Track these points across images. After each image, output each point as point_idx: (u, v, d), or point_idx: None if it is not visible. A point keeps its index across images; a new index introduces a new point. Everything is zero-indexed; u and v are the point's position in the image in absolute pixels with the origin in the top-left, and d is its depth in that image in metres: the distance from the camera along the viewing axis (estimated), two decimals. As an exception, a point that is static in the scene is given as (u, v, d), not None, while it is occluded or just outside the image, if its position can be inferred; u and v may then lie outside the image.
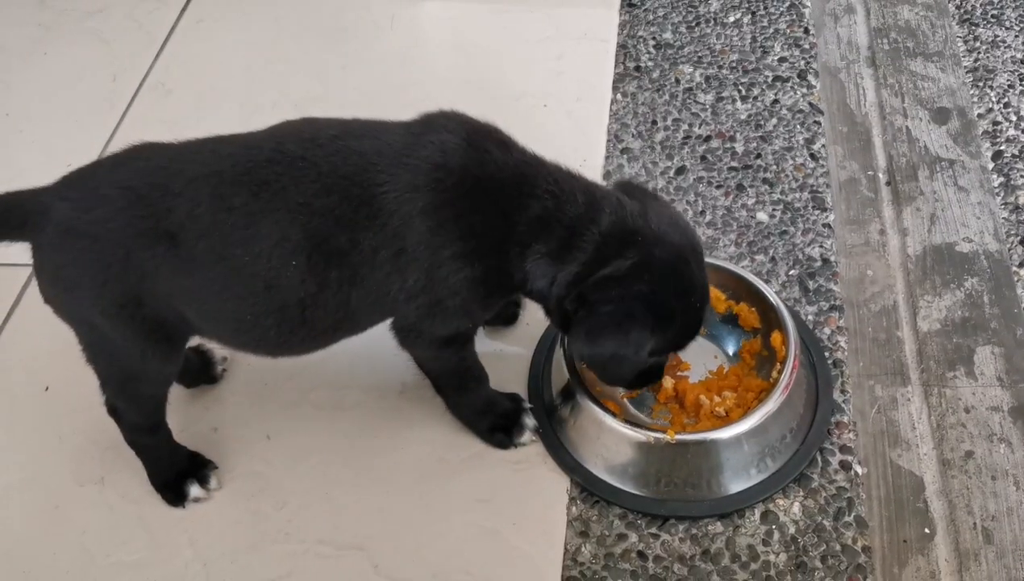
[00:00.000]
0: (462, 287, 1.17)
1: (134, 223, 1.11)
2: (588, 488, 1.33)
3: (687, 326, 1.22)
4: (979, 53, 1.99)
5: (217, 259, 1.12)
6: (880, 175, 1.80)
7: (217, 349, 1.48)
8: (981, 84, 1.93)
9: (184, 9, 2.18)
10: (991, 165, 1.78)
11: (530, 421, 1.38)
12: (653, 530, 1.30)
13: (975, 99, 1.90)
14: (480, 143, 1.17)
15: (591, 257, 1.16)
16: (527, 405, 1.40)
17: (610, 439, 1.32)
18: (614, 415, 1.31)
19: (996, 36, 2.02)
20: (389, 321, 1.27)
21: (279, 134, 1.17)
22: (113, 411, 1.30)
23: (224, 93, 1.97)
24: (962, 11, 2.09)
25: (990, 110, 1.87)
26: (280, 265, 1.12)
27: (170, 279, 1.13)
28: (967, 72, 1.96)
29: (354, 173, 1.13)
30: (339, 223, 1.12)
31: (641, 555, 1.28)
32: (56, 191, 1.15)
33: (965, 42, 2.02)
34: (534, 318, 1.51)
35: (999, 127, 1.84)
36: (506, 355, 1.49)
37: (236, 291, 1.14)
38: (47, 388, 1.50)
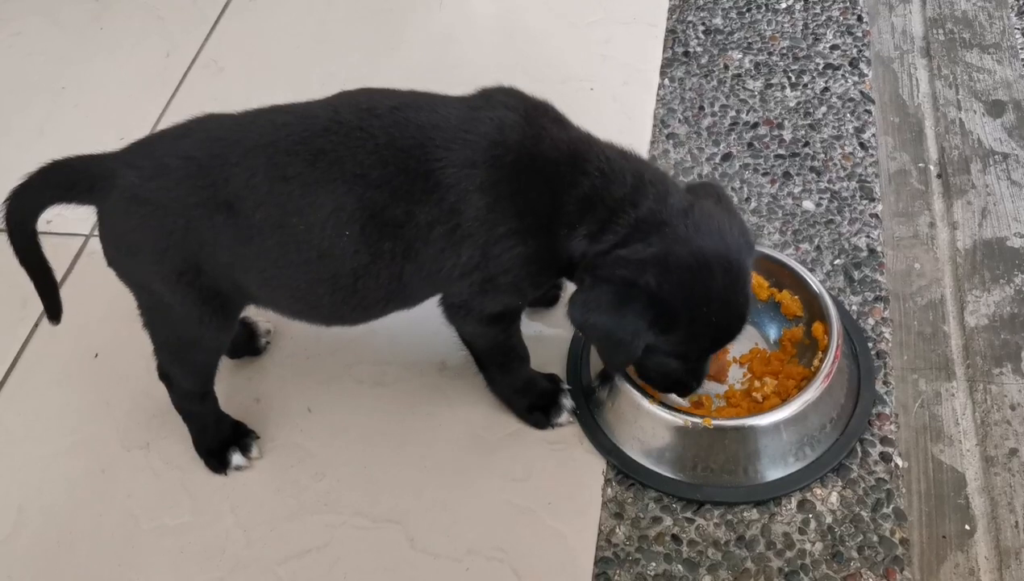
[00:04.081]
0: (514, 264, 1.18)
1: (194, 193, 1.13)
2: (624, 470, 1.33)
3: (697, 336, 1.16)
4: (1038, 45, 1.95)
5: (273, 228, 1.14)
6: (931, 167, 1.76)
7: (262, 322, 1.51)
8: (1039, 76, 1.88)
9: (237, -12, 2.22)
10: (1047, 159, 1.75)
11: (568, 402, 1.39)
12: (688, 514, 1.30)
13: (1032, 92, 1.86)
14: (537, 120, 1.17)
15: (620, 239, 1.14)
16: (565, 386, 1.40)
17: (647, 422, 1.32)
18: (652, 398, 1.31)
19: (1056, 28, 1.98)
20: (437, 297, 1.27)
21: (336, 103, 1.18)
22: (164, 377, 1.34)
23: (274, 71, 2.00)
24: (1020, 2, 2.04)
25: (1048, 103, 1.83)
26: (334, 234, 1.14)
27: (228, 248, 1.15)
28: (1025, 64, 1.92)
29: (412, 146, 1.14)
30: (395, 195, 1.13)
31: (675, 539, 1.28)
32: (124, 158, 1.17)
33: (1023, 34, 1.98)
34: (575, 300, 1.51)
35: (1056, 121, 1.80)
36: (546, 336, 1.49)
37: (291, 259, 1.16)
38: (96, 355, 1.53)
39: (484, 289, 1.20)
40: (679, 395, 1.29)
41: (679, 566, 1.25)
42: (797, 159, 1.74)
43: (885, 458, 1.34)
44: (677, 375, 1.24)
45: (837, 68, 1.90)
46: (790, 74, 1.89)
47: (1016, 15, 2.02)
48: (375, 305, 1.23)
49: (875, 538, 1.26)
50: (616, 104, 1.86)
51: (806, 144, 1.76)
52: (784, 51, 1.94)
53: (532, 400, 1.39)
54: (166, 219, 1.14)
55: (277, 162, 1.13)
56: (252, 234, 1.14)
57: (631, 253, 1.12)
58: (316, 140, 1.14)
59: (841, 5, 2.03)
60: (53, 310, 1.26)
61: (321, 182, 1.13)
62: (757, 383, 1.37)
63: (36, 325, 1.58)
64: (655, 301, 1.11)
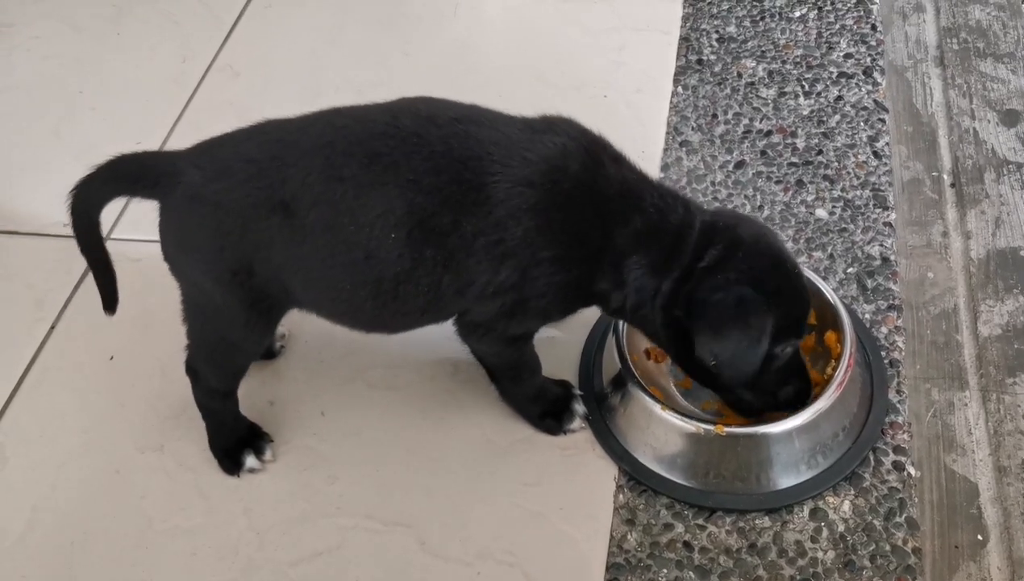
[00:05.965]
0: (551, 290, 1.19)
1: (253, 194, 1.15)
2: (636, 476, 1.33)
3: (795, 297, 1.21)
4: (1053, 55, 1.94)
5: (325, 228, 1.15)
6: (945, 176, 1.76)
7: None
8: (1054, 86, 1.88)
9: (253, -7, 2.23)
10: (1061, 169, 1.74)
11: (580, 408, 1.39)
12: (700, 521, 1.30)
13: (1047, 101, 1.86)
14: (597, 154, 1.19)
15: (690, 259, 1.18)
16: (577, 392, 1.41)
17: (659, 429, 1.32)
18: (664, 405, 1.31)
19: (1071, 38, 1.97)
20: None
21: (396, 109, 1.20)
22: (192, 371, 1.34)
23: (289, 77, 2.01)
24: (1036, 11, 2.04)
25: (1062, 113, 1.83)
26: (381, 236, 1.15)
27: (281, 249, 1.17)
28: (1039, 74, 1.91)
29: (468, 158, 1.15)
30: (444, 203, 1.14)
31: (687, 545, 1.28)
32: (189, 157, 1.20)
33: (1038, 43, 1.97)
34: (587, 306, 1.52)
35: (1071, 131, 1.80)
36: (558, 342, 1.49)
37: (339, 260, 1.17)
38: (112, 357, 1.54)
39: (513, 311, 1.21)
40: (799, 403, 1.28)
41: (690, 573, 1.25)
42: (810, 167, 1.74)
43: (898, 467, 1.34)
44: (793, 380, 1.27)
45: (851, 77, 1.90)
46: (804, 82, 1.89)
47: (1030, 25, 2.02)
48: (413, 313, 1.23)
49: (887, 547, 1.26)
50: (629, 111, 1.87)
51: (819, 152, 1.76)
52: (798, 59, 1.94)
53: (544, 407, 1.39)
54: (225, 219, 1.16)
55: (333, 163, 1.15)
56: (305, 234, 1.16)
57: (710, 260, 1.17)
58: (373, 142, 1.15)
59: (855, 14, 2.03)
60: (109, 301, 1.29)
61: (374, 184, 1.14)
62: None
63: (52, 327, 1.59)
64: (757, 281, 1.17)
